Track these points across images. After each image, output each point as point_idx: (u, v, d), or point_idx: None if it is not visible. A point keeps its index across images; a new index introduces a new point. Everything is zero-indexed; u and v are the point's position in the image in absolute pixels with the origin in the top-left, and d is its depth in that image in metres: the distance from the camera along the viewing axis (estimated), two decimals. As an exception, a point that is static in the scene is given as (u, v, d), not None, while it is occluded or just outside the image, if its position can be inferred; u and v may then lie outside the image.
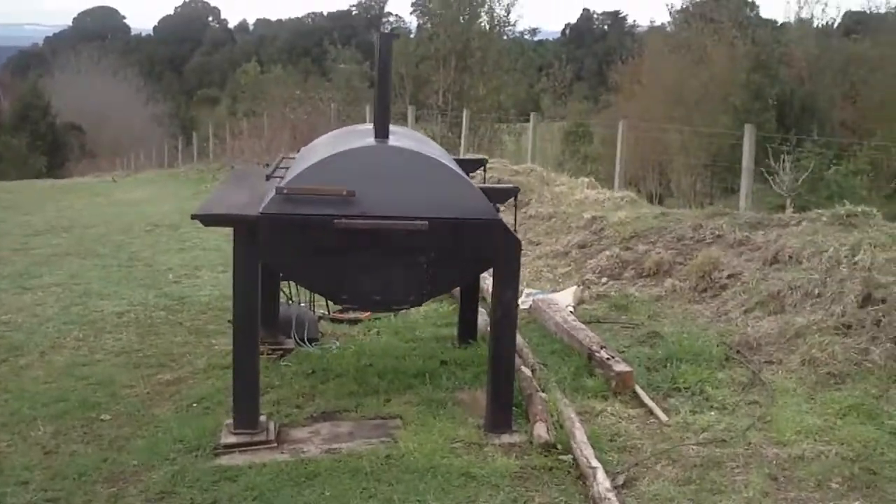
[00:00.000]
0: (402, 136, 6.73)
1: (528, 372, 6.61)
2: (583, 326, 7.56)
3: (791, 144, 16.30)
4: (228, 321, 8.34)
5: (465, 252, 5.82)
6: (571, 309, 8.44)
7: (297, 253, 5.75)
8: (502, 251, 5.82)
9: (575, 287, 9.16)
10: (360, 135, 6.72)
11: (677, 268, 9.13)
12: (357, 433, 5.97)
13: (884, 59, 41.95)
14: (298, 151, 7.70)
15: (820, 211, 9.30)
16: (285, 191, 5.66)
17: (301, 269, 5.93)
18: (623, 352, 7.28)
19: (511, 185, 7.32)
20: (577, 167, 30.66)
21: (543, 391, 6.34)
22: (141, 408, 6.56)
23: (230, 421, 5.88)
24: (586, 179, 14.35)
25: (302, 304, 8.28)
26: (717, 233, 9.53)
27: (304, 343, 7.74)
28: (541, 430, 5.72)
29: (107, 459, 5.64)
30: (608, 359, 6.73)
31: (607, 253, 9.99)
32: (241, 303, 5.80)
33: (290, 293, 8.22)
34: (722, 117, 38.32)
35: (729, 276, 8.54)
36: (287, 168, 6.66)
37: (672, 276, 9.02)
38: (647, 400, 6.37)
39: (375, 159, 5.98)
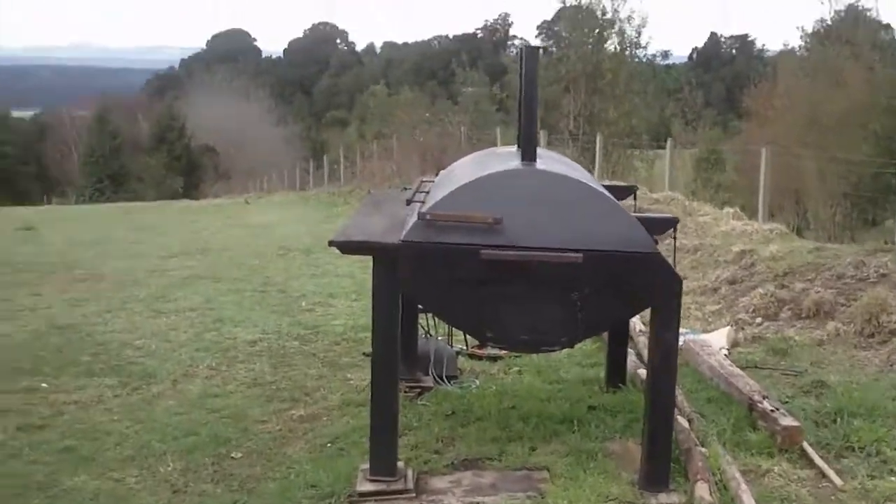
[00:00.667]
0: (549, 160, 6.31)
1: (684, 423, 6.08)
2: (741, 372, 7.00)
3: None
4: (364, 354, 8.10)
5: (622, 289, 5.32)
6: (726, 352, 7.88)
7: (439, 284, 5.33)
8: (662, 289, 5.32)
9: (728, 328, 8.58)
10: (504, 157, 6.33)
11: (840, 309, 8.47)
12: (501, 485, 5.55)
13: None
14: (436, 174, 7.35)
15: None
16: (428, 216, 5.26)
17: (444, 302, 5.47)
18: (786, 402, 6.69)
19: (670, 216, 6.81)
20: (710, 196, 29.71)
21: (703, 445, 5.82)
22: (273, 446, 6.31)
23: (366, 466, 5.54)
24: (731, 210, 13.72)
25: (440, 339, 7.93)
26: (881, 271, 8.85)
27: (443, 381, 7.38)
28: (703, 492, 5.21)
29: (237, 502, 5.37)
30: (772, 411, 6.16)
31: (760, 290, 9.36)
32: (380, 336, 5.46)
33: (428, 326, 7.88)
34: (861, 144, 36.75)
35: (899, 321, 7.87)
36: (427, 192, 6.32)
37: (835, 319, 8.37)
38: (817, 460, 5.78)
39: (523, 184, 5.53)
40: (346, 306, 10.65)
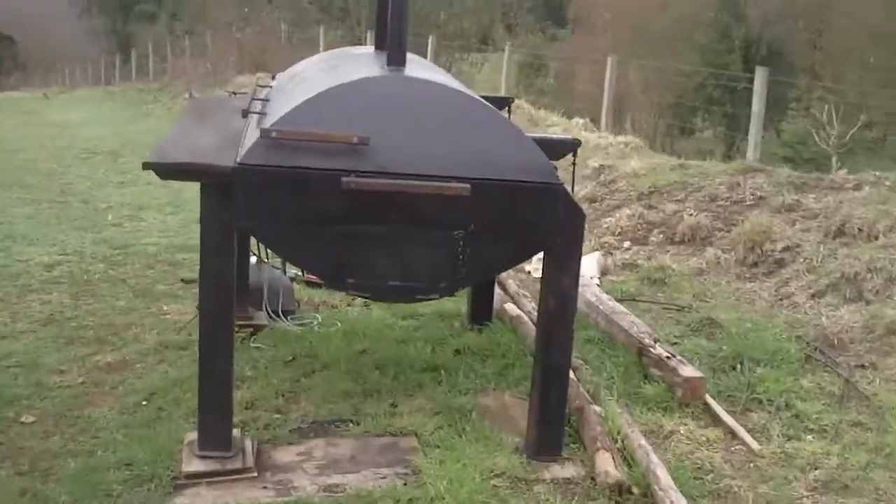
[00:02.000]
0: (418, 65, 5.17)
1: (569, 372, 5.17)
2: (623, 309, 6.17)
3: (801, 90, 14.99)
4: (183, 280, 6.94)
5: (516, 226, 4.35)
6: (597, 281, 7.06)
7: (287, 219, 4.19)
8: (564, 227, 4.38)
9: (597, 253, 7.74)
10: (363, 60, 5.17)
11: (717, 235, 7.75)
12: (362, 458, 4.53)
13: (850, 3, 40.80)
14: (257, 75, 6.08)
15: (880, 174, 7.98)
16: (274, 134, 4.10)
17: (292, 241, 4.31)
18: (675, 343, 5.92)
19: (570, 137, 5.76)
20: (532, 101, 29.18)
21: (595, 401, 4.96)
22: (74, 405, 5.06)
23: (193, 437, 4.42)
24: (581, 120, 12.88)
25: (274, 266, 6.76)
26: (757, 193, 8.15)
27: (279, 317, 6.28)
28: (606, 464, 4.34)
29: (26, 493, 4.14)
30: (669, 358, 5.36)
31: (627, 211, 8.54)
32: (210, 281, 4.25)
33: (259, 250, 6.64)
34: (688, 56, 37.07)
35: (784, 249, 7.20)
36: (267, 100, 5.13)
37: (713, 245, 7.64)
38: (727, 418, 5.02)
39: (395, 94, 4.38)
40: (159, 221, 9.32)
